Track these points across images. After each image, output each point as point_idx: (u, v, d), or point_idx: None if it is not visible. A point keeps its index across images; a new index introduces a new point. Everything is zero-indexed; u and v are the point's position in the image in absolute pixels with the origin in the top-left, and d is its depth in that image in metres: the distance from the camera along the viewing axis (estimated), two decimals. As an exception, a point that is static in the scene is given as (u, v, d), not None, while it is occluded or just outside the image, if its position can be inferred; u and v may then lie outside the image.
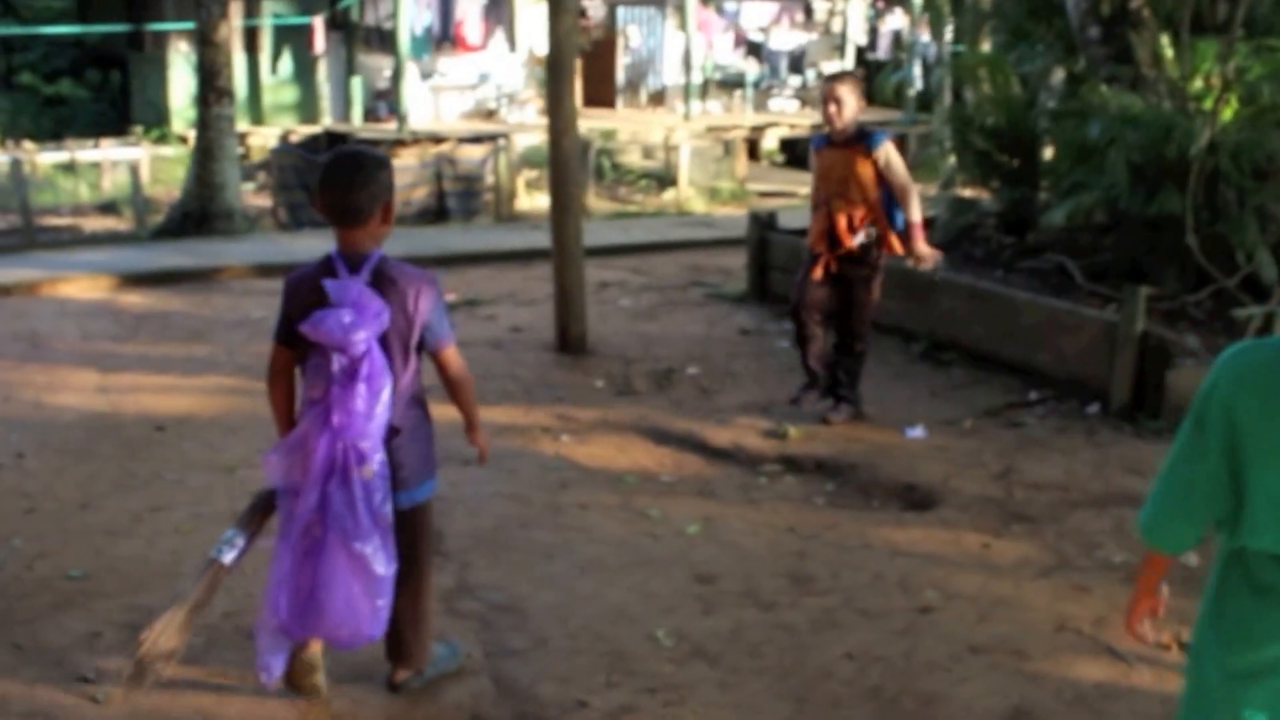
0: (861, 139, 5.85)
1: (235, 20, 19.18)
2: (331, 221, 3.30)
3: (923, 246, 5.95)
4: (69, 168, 17.38)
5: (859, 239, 5.88)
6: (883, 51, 23.44)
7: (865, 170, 5.82)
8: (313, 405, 3.31)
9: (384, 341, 3.24)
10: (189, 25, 16.53)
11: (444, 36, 19.83)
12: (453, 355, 3.43)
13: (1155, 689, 3.79)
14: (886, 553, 4.73)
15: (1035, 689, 3.77)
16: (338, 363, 3.21)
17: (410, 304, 3.26)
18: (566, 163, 7.43)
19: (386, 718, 3.58)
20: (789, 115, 22.59)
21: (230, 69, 12.77)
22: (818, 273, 5.98)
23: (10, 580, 4.43)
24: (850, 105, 5.76)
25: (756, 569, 4.56)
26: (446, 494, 5.21)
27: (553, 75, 7.45)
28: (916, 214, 5.87)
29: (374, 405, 3.22)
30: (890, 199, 5.88)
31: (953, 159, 8.82)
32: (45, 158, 17.34)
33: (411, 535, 3.45)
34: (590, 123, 20.03)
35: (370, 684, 3.72)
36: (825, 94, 5.83)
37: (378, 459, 3.28)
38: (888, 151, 5.81)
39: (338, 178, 3.26)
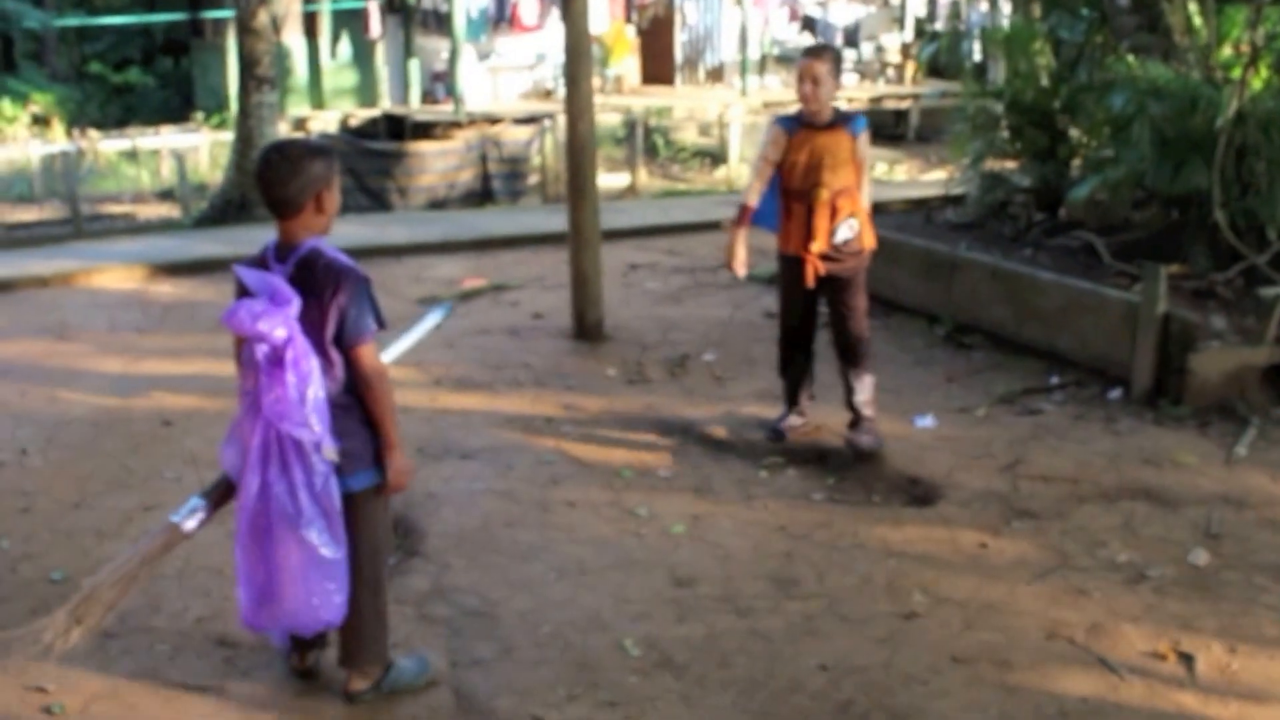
0: (843, 120, 5.36)
1: (294, 5, 19.37)
2: (269, 212, 3.32)
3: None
4: (131, 155, 17.68)
5: (843, 233, 5.34)
6: (941, 22, 22.90)
7: (850, 153, 5.34)
8: (244, 394, 3.35)
9: (305, 331, 3.23)
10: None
11: (500, 17, 19.83)
12: (364, 353, 3.34)
13: (1145, 705, 3.60)
14: (878, 553, 4.56)
15: (1016, 703, 3.60)
16: (260, 351, 3.21)
17: (326, 295, 3.24)
18: (583, 146, 7.31)
19: (339, 729, 3.52)
20: (847, 89, 22.15)
21: (275, 56, 12.83)
22: (809, 279, 5.37)
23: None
24: (829, 84, 5.25)
25: (738, 571, 4.42)
26: (438, 490, 5.16)
27: (570, 58, 7.31)
28: (868, 202, 5.51)
29: (304, 389, 3.21)
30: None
31: (987, 133, 8.47)
32: (109, 145, 17.66)
33: (350, 524, 3.39)
34: (648, 100, 19.93)
35: (327, 695, 3.67)
36: (802, 71, 5.27)
37: (328, 441, 3.28)
38: (867, 135, 5.41)
39: (267, 170, 3.29)
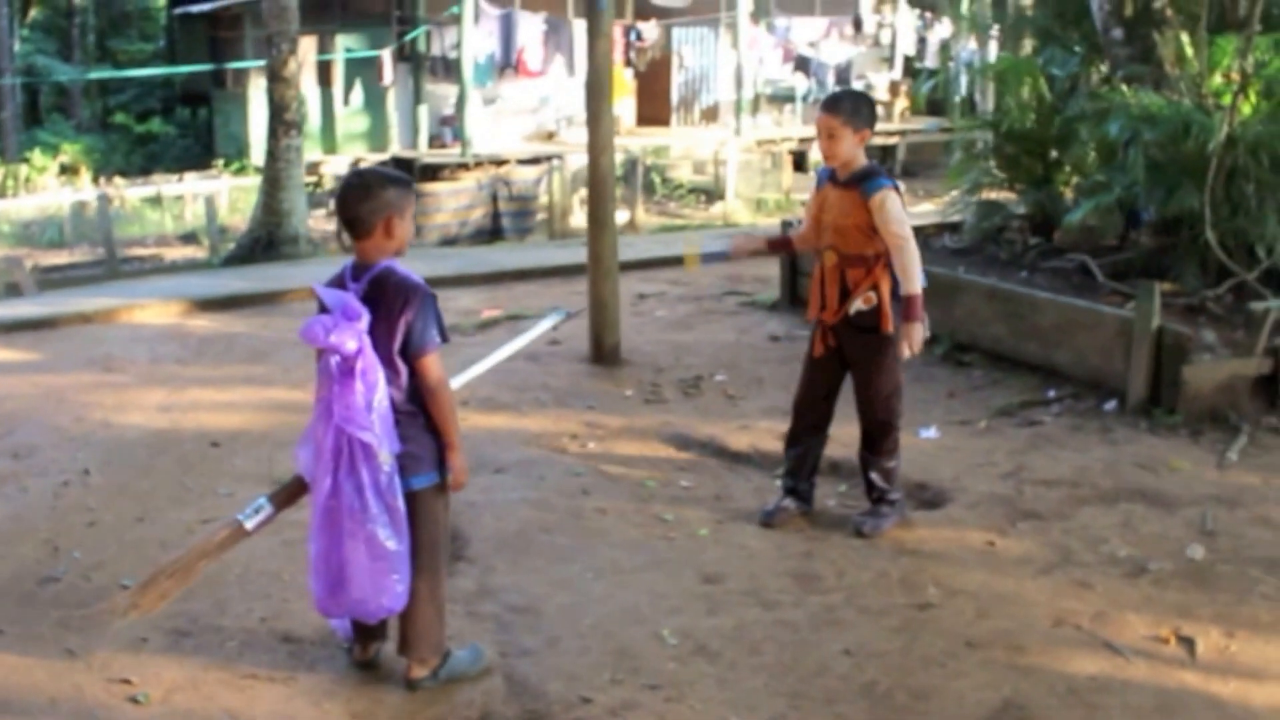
0: (861, 179, 4.74)
1: (309, 55, 19.93)
2: (345, 231, 3.66)
3: (914, 330, 4.75)
4: (155, 201, 18.18)
5: (854, 305, 4.81)
6: (930, 60, 23.50)
7: (861, 219, 4.72)
8: (319, 401, 3.63)
9: (375, 344, 3.52)
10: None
11: (506, 63, 20.31)
12: (429, 364, 3.61)
13: (1150, 682, 3.88)
14: (892, 551, 4.86)
15: (1028, 682, 3.87)
16: (333, 361, 3.51)
17: (396, 310, 3.54)
18: (604, 180, 7.70)
19: (401, 715, 3.78)
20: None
21: (299, 103, 13.32)
22: (818, 348, 4.98)
23: (68, 589, 4.69)
24: (847, 138, 4.70)
25: (762, 569, 4.72)
26: (476, 499, 5.44)
27: (590, 96, 7.72)
28: (913, 283, 4.70)
29: (371, 397, 3.50)
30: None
31: (979, 163, 8.90)
32: (134, 192, 18.19)
33: (411, 521, 3.68)
34: (645, 140, 20.40)
35: (389, 684, 3.95)
36: (818, 125, 4.77)
37: (391, 447, 3.57)
38: (884, 199, 4.66)
39: (344, 192, 3.64)
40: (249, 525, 3.82)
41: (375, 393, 3.53)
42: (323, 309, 3.61)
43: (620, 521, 5.23)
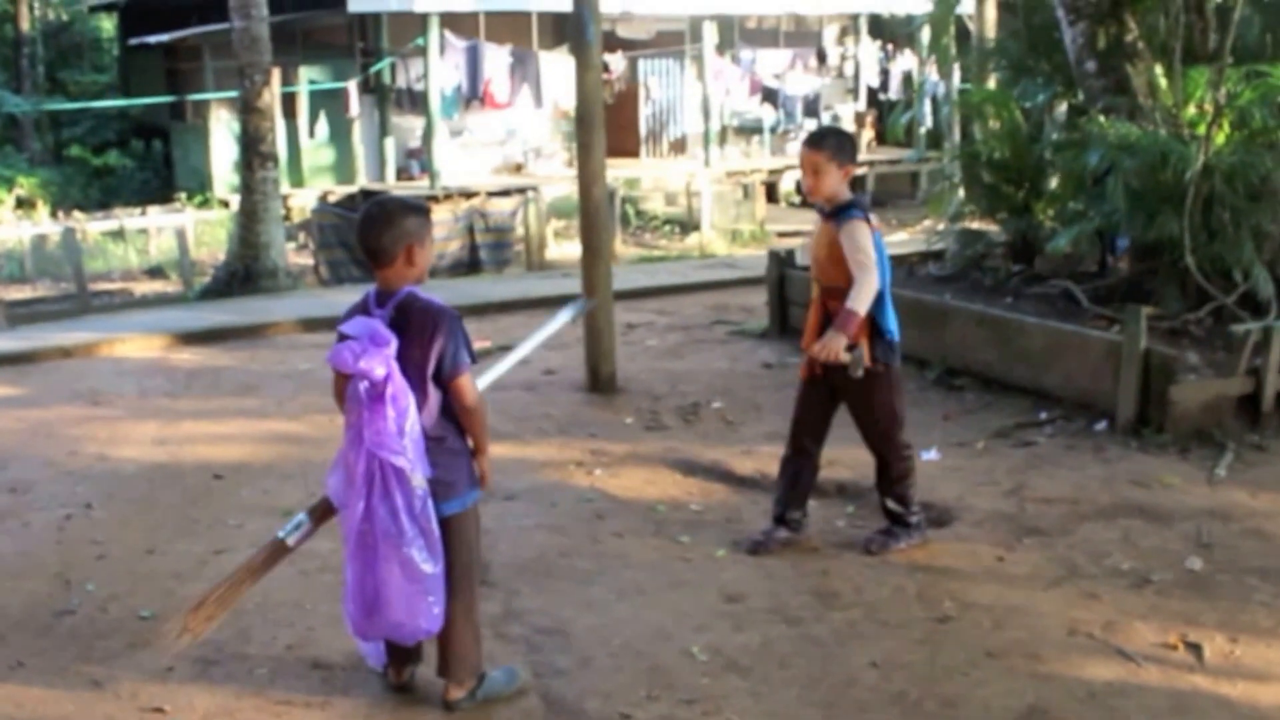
0: (837, 212, 4.81)
1: (274, 87, 19.95)
2: (367, 260, 3.72)
3: (834, 340, 4.70)
4: (118, 235, 18.09)
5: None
6: (894, 91, 23.97)
7: (836, 251, 4.78)
8: (349, 427, 3.69)
9: (405, 369, 3.59)
10: (231, 94, 17.21)
11: (473, 95, 20.43)
12: (464, 384, 3.68)
13: (1163, 685, 4.04)
14: (906, 568, 5.00)
15: (1049, 689, 4.01)
16: (362, 387, 3.57)
17: (426, 336, 3.62)
18: (596, 210, 7.84)
19: (440, 736, 3.87)
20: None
21: (273, 134, 13.33)
22: (803, 371, 5.08)
23: (85, 622, 4.70)
24: (831, 174, 4.77)
25: (783, 587, 4.84)
26: (491, 527, 5.46)
27: (581, 127, 7.86)
28: (858, 303, 4.67)
29: (403, 422, 3.56)
30: (882, 299, 4.81)
31: (961, 192, 9.15)
32: (95, 226, 18.10)
33: (445, 546, 3.74)
34: (614, 172, 20.54)
35: (425, 706, 4.00)
36: (800, 162, 4.87)
37: (422, 470, 3.63)
38: (852, 228, 4.71)
39: (366, 222, 3.70)
40: (290, 541, 3.89)
41: (406, 418, 3.58)
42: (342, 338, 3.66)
43: (637, 544, 5.33)
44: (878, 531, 5.22)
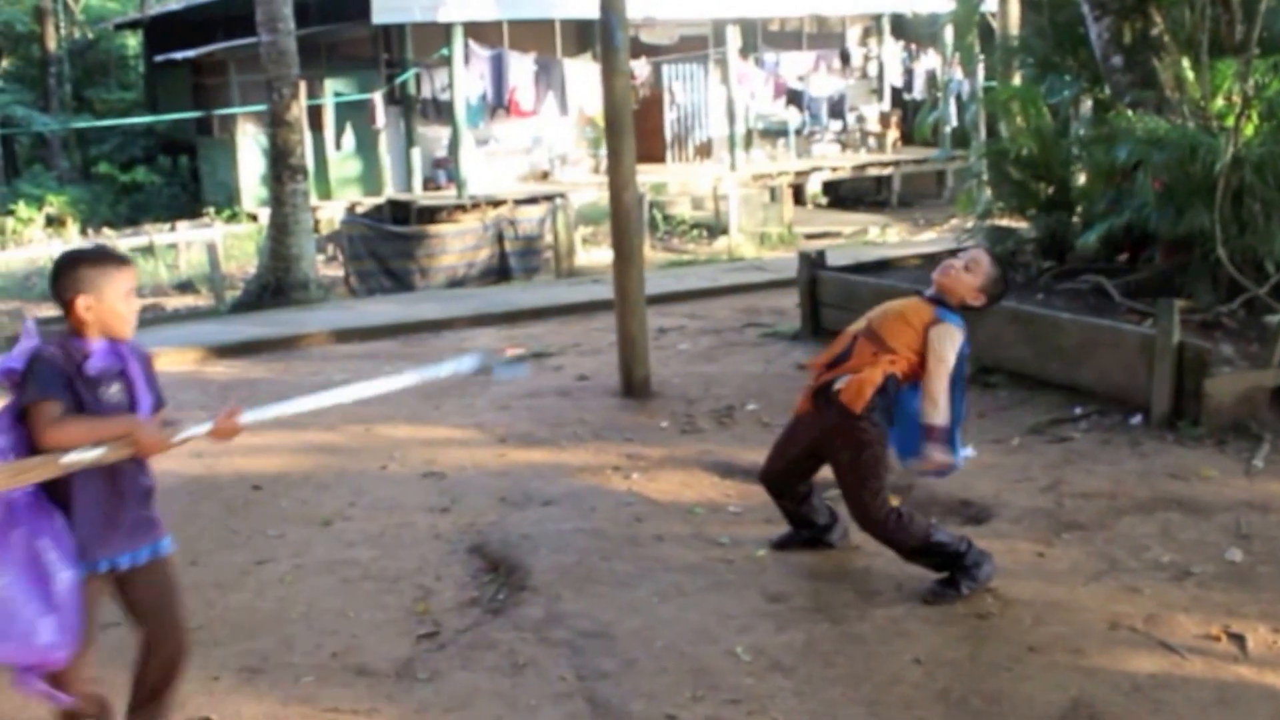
0: (943, 307, 4.82)
1: (301, 100, 20.13)
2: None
3: (934, 449, 4.65)
4: (148, 251, 18.24)
5: (834, 380, 4.75)
6: (919, 91, 23.96)
7: (915, 334, 4.72)
8: None
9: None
10: (258, 109, 17.39)
11: (498, 104, 20.52)
12: (34, 415, 3.35)
13: (1208, 677, 4.04)
14: (946, 566, 5.01)
15: (1093, 683, 4.01)
16: None
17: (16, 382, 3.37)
18: (627, 215, 7.88)
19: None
20: (831, 159, 23.13)
21: (302, 146, 13.45)
22: (801, 405, 4.98)
23: (130, 633, 4.80)
24: (971, 285, 4.81)
25: (824, 586, 4.86)
26: (531, 532, 5.56)
27: (610, 133, 7.91)
28: (936, 416, 4.61)
29: None
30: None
31: (989, 190, 9.15)
32: (125, 242, 18.26)
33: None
34: (641, 177, 20.56)
35: (469, 713, 4.06)
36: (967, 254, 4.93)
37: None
38: (946, 330, 4.69)
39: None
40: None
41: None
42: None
43: (677, 547, 5.36)
44: (936, 582, 4.76)
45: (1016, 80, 10.57)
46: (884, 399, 4.67)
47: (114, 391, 3.43)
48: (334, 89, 20.75)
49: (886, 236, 18.43)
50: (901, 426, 4.80)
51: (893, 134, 23.84)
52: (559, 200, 16.38)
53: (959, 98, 19.54)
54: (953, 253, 5.00)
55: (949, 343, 4.66)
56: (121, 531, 3.52)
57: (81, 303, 3.39)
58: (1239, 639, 4.28)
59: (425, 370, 4.24)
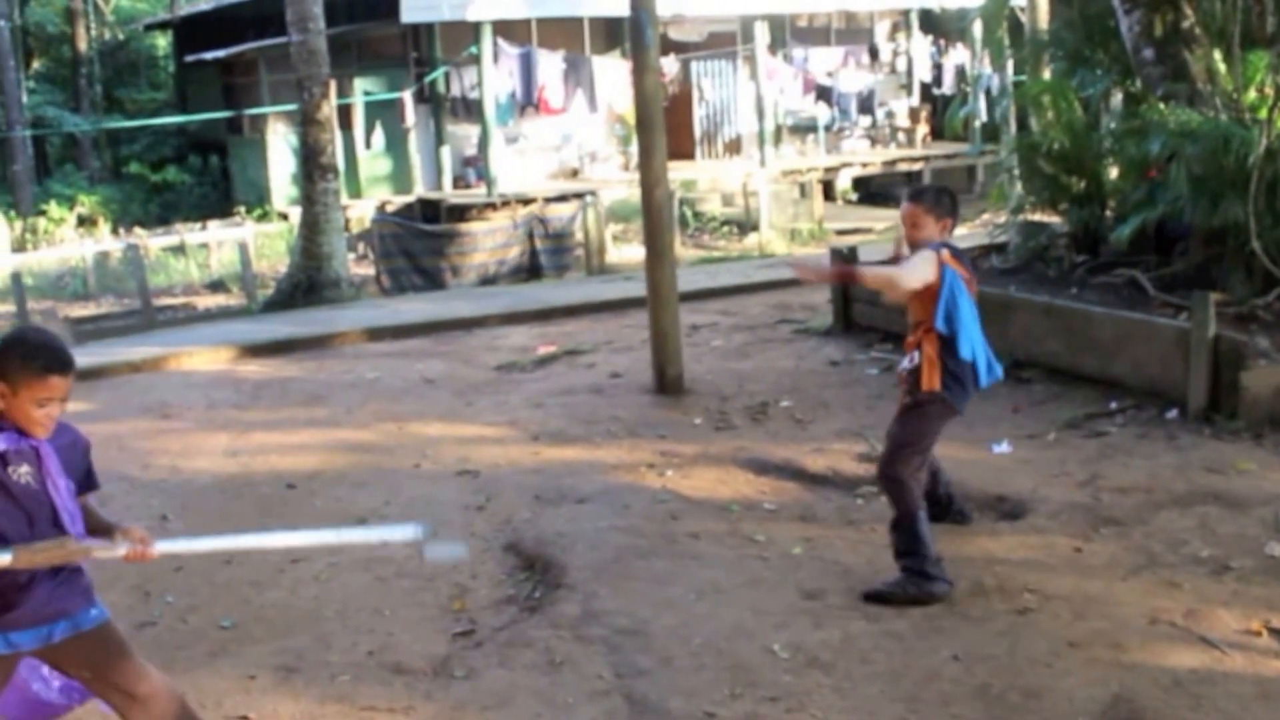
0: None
1: (331, 99, 20.23)
2: None
3: (816, 268, 6.10)
4: (179, 250, 18.38)
5: (906, 363, 4.94)
6: (948, 86, 23.82)
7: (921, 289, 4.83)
8: None
9: None
10: (288, 108, 17.47)
11: (527, 102, 20.55)
12: None
13: (1249, 672, 4.01)
14: (983, 561, 4.99)
15: (1133, 678, 4.00)
16: None
17: None
18: (659, 212, 7.90)
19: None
20: (860, 154, 23.05)
21: (333, 145, 13.52)
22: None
23: (166, 632, 4.81)
24: (929, 227, 4.89)
25: (860, 583, 4.84)
26: (566, 530, 5.58)
27: (641, 130, 7.92)
28: (875, 272, 5.17)
29: None
30: (950, 323, 4.76)
31: (1021, 185, 9.08)
32: (156, 242, 18.40)
33: None
34: (671, 174, 20.59)
35: (506, 713, 4.07)
36: (901, 214, 5.02)
37: None
38: (920, 254, 4.84)
39: None
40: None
41: None
42: None
43: (713, 544, 5.36)
44: (888, 580, 4.78)
45: (1047, 74, 10.48)
46: (948, 363, 4.79)
47: (24, 472, 3.30)
48: (363, 88, 20.82)
49: (919, 232, 18.29)
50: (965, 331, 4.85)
51: (922, 129, 23.72)
52: (589, 197, 16.38)
53: (989, 92, 19.40)
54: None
55: (920, 256, 4.82)
56: (26, 610, 3.31)
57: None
58: (1280, 634, 4.25)
59: (349, 533, 4.59)
